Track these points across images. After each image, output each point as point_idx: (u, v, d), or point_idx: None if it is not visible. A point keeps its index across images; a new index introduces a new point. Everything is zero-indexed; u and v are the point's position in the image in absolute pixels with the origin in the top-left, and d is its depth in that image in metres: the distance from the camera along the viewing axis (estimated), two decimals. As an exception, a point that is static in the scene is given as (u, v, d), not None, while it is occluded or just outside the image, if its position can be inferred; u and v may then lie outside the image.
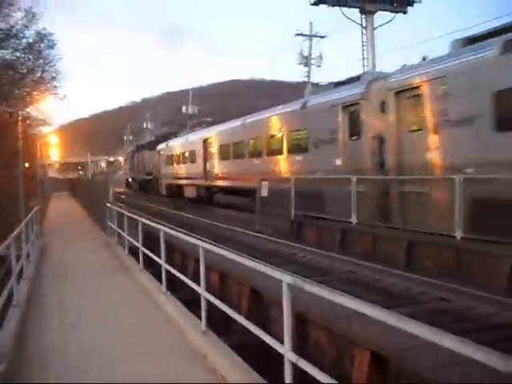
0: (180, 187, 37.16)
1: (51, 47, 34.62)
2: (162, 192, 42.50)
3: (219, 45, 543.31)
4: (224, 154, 28.16)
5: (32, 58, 34.16)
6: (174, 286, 9.57)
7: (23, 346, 7.00)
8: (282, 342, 4.59)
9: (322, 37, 38.40)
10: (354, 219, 14.47)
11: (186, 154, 36.07)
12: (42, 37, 33.26)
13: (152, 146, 49.21)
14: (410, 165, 13.56)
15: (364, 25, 26.97)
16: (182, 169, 37.12)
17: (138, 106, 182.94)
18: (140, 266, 11.87)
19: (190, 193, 34.83)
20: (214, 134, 30.35)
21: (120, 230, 15.51)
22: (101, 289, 10.78)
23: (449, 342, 2.72)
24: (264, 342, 5.05)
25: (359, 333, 5.44)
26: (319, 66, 38.81)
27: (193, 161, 33.88)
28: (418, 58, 16.05)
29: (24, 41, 33.38)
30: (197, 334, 6.85)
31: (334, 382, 3.86)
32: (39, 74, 34.89)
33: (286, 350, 4.46)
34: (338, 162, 16.60)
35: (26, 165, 37.47)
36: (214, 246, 8.69)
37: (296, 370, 4.39)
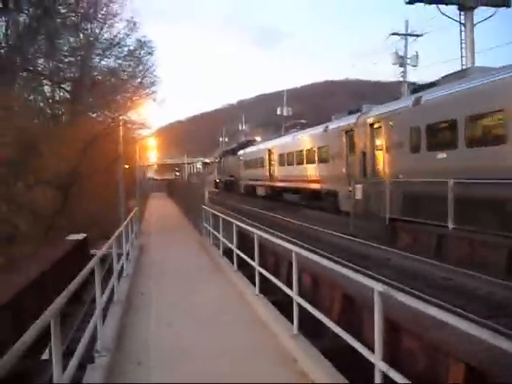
0: (254, 187, 44.68)
1: (150, 53, 36.12)
2: (241, 191, 49.54)
3: (314, 46, 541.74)
4: (281, 162, 35.45)
5: (133, 65, 35.75)
6: (267, 287, 9.68)
7: (122, 341, 7.35)
8: (373, 348, 4.57)
9: (418, 35, 37.37)
10: (450, 224, 14.04)
11: (258, 160, 42.92)
12: (141, 44, 34.79)
13: (234, 152, 55.22)
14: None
15: (463, 21, 25.98)
16: (255, 172, 43.72)
17: (233, 108, 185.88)
18: (234, 268, 12.08)
19: (261, 191, 42.14)
20: (275, 146, 38.15)
21: (215, 232, 15.85)
22: (195, 288, 11.06)
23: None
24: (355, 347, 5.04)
25: (453, 343, 5.30)
26: (415, 66, 37.83)
27: (262, 166, 40.85)
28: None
29: (125, 49, 34.98)
30: (288, 337, 6.91)
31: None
32: (139, 80, 36.45)
33: (376, 358, 4.43)
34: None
35: (126, 166, 39.03)
36: (307, 249, 8.75)
37: (386, 377, 4.35)
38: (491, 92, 13.81)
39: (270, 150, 38.85)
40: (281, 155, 35.52)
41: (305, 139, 30.50)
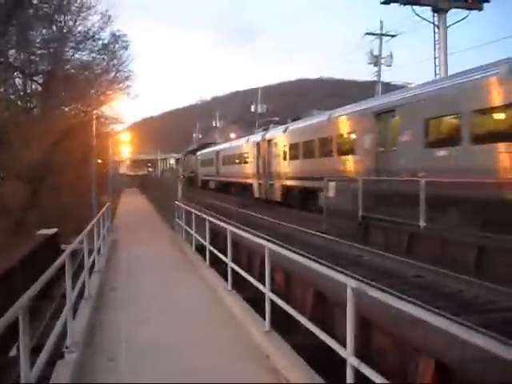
0: (207, 181, 55.10)
1: (125, 48, 35.81)
2: (198, 185, 58.78)
3: (288, 44, 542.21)
4: (224, 162, 46.70)
5: (107, 59, 35.39)
6: (240, 284, 9.66)
7: (93, 337, 7.27)
8: (345, 344, 4.58)
9: (393, 36, 37.71)
10: (422, 223, 14.19)
11: (209, 160, 53.60)
12: (116, 38, 34.45)
13: (195, 152, 65.89)
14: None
15: (436, 23, 26.25)
16: (209, 170, 53.70)
17: (207, 105, 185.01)
18: (206, 264, 12.05)
19: (212, 185, 52.52)
20: (221, 149, 49.61)
21: (187, 227, 15.78)
22: (167, 284, 11.02)
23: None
24: (327, 343, 5.05)
25: (424, 340, 5.35)
26: (389, 66, 38.16)
27: (212, 165, 51.76)
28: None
29: (100, 42, 34.60)
30: (260, 333, 6.91)
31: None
32: (113, 74, 36.13)
33: (348, 353, 4.44)
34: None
35: (99, 161, 38.69)
36: (278, 246, 8.75)
37: (358, 373, 4.37)
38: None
39: (217, 152, 49.82)
40: (224, 156, 46.85)
41: (236, 146, 42.68)
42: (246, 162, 37.90)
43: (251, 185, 35.46)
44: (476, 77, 14.25)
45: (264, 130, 35.41)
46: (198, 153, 62.04)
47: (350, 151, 21.70)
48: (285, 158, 28.85)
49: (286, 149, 28.76)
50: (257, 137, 35.29)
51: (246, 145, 38.38)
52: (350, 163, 21.54)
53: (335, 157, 23.03)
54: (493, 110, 13.78)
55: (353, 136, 21.88)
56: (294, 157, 27.85)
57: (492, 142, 13.47)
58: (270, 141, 31.93)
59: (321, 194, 21.53)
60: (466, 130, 14.24)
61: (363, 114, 20.54)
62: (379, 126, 18.98)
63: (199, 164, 60.56)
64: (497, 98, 13.47)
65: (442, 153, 15.18)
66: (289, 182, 28.13)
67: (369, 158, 19.49)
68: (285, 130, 29.67)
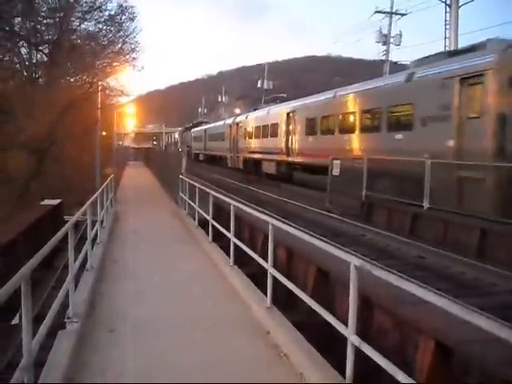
0: (198, 154, 61.81)
1: (132, 19, 35.49)
2: (192, 157, 62.64)
3: (297, 20, 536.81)
4: (209, 138, 54.81)
5: (113, 30, 35.14)
6: (242, 260, 9.67)
7: (94, 308, 7.30)
8: (346, 323, 4.58)
9: (403, 14, 37.24)
10: (426, 204, 14.16)
11: (200, 137, 61.17)
12: (123, 9, 34.17)
13: (190, 129, 74.25)
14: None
15: (448, 2, 25.90)
16: (199, 145, 61.24)
17: (213, 79, 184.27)
18: (209, 239, 12.06)
19: (201, 157, 59.45)
20: (208, 128, 57.43)
21: (191, 202, 15.76)
22: (169, 258, 11.04)
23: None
24: (328, 321, 5.05)
25: (425, 320, 5.35)
26: (398, 45, 37.73)
27: (201, 140, 59.32)
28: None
29: (106, 13, 34.30)
30: (261, 309, 6.92)
31: (397, 369, 3.82)
32: (119, 46, 35.88)
33: (349, 332, 4.45)
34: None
35: (104, 133, 38.61)
36: (283, 222, 8.75)
37: (358, 352, 4.38)
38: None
39: (205, 131, 57.80)
40: (209, 134, 55.00)
41: (218, 126, 50.81)
42: (223, 140, 45.93)
43: (226, 157, 44.42)
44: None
45: (237, 115, 47.79)
46: (192, 130, 70.64)
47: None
48: (245, 138, 37.97)
49: (246, 130, 38.15)
50: (231, 120, 45.01)
51: (223, 126, 47.32)
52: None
53: (268, 138, 32.16)
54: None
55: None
56: (250, 136, 37.05)
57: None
58: (237, 124, 41.00)
59: (264, 163, 32.86)
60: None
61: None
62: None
63: (193, 139, 68.53)
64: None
65: None
66: (247, 155, 37.07)
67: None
68: (246, 117, 39.73)
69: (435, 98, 15.23)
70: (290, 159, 27.48)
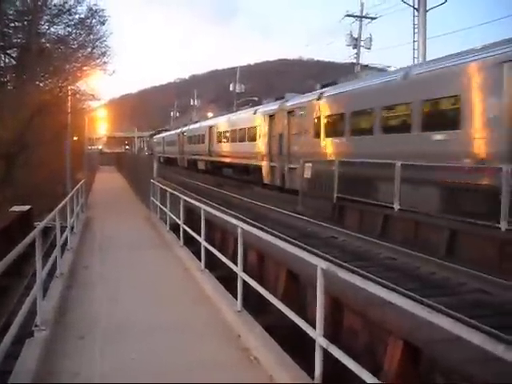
0: (159, 157, 61.32)
1: (102, 23, 35.11)
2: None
3: (268, 23, 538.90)
4: (167, 144, 66.53)
5: (83, 34, 34.73)
6: (214, 263, 9.67)
7: (64, 315, 7.21)
8: (315, 325, 4.61)
9: (373, 18, 37.57)
10: (396, 205, 14.32)
11: (159, 143, 73.46)
12: (93, 12, 33.76)
13: (152, 136, 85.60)
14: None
15: (416, 6, 26.25)
16: (159, 149, 70.95)
17: (186, 83, 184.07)
18: (180, 243, 12.02)
19: (162, 160, 61.58)
20: (165, 135, 70.34)
21: (162, 206, 15.71)
22: (141, 263, 10.97)
23: (477, 338, 2.69)
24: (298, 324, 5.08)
25: (393, 321, 5.41)
26: (369, 48, 38.09)
27: (160, 146, 70.95)
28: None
29: (76, 16, 33.92)
30: (232, 313, 6.93)
31: (362, 369, 3.86)
32: (90, 50, 35.46)
33: (317, 334, 4.47)
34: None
35: (75, 138, 38.25)
36: (253, 226, 8.76)
37: (328, 353, 4.40)
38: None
39: (163, 138, 70.42)
40: (166, 141, 66.84)
41: (171, 134, 63.94)
42: (174, 145, 58.33)
43: (176, 159, 56.66)
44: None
45: (183, 126, 56.87)
46: (155, 137, 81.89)
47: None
48: (188, 143, 51.21)
49: (187, 138, 51.78)
50: (178, 130, 57.91)
51: (175, 135, 59.63)
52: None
53: (200, 144, 45.23)
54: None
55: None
56: (189, 142, 50.48)
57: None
58: (183, 133, 53.93)
59: (199, 162, 46.10)
60: None
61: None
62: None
63: (155, 145, 78.35)
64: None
65: None
66: (189, 157, 50.62)
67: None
68: (188, 128, 53.00)
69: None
70: (211, 158, 40.61)
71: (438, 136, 14.18)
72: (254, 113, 29.99)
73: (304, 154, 21.31)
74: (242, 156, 31.40)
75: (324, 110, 21.07)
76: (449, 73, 13.86)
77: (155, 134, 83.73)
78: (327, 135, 20.74)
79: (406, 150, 15.03)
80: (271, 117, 26.74)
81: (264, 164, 27.21)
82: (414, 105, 15.23)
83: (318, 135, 21.37)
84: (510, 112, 12.12)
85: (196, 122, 55.23)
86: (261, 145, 27.81)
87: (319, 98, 21.55)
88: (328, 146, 20.56)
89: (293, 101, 24.89)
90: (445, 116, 14.54)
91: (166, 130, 76.98)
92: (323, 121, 21.02)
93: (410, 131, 15.36)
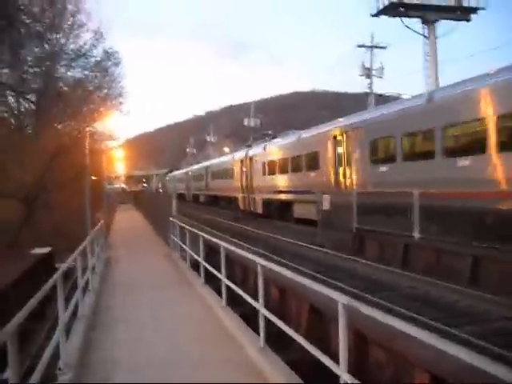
0: (180, 194, 63.74)
1: (117, 65, 35.95)
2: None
3: (281, 57, 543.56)
4: (180, 181, 73.29)
5: (99, 76, 35.47)
6: (235, 299, 9.62)
7: (87, 357, 7.21)
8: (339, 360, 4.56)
9: (383, 47, 38.12)
10: (416, 234, 14.21)
11: (171, 180, 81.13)
12: (108, 55, 34.54)
13: (166, 174, 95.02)
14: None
15: (426, 34, 26.50)
16: (171, 185, 76.21)
17: (201, 119, 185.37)
18: (201, 280, 12.00)
19: (174, 196, 60.41)
20: (176, 174, 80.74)
21: (182, 244, 15.73)
22: (163, 302, 10.95)
23: (501, 370, 2.66)
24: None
25: (418, 354, 5.33)
26: (381, 77, 38.42)
27: (172, 183, 78.16)
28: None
29: (92, 60, 34.71)
30: (255, 349, 6.87)
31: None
32: (105, 91, 36.19)
33: (341, 370, 4.43)
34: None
35: (93, 178, 38.65)
36: (273, 261, 8.74)
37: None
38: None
39: (174, 176, 79.80)
40: (177, 179, 76.00)
41: (181, 173, 74.65)
42: (183, 182, 68.36)
43: (185, 194, 65.01)
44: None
45: (190, 165, 70.78)
46: (168, 175, 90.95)
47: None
48: (194, 181, 60.83)
49: (191, 177, 63.72)
50: (185, 170, 70.72)
51: (183, 173, 70.49)
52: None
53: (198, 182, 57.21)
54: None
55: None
56: (195, 180, 59.86)
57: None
58: (188, 172, 65.61)
59: (200, 196, 56.96)
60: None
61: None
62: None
63: (167, 182, 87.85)
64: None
65: None
66: (194, 192, 60.92)
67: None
68: (191, 167, 67.56)
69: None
70: (208, 193, 50.96)
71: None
72: (233, 158, 39.91)
73: (258, 187, 31.70)
74: (226, 190, 40.75)
75: (266, 157, 30.76)
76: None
77: (168, 173, 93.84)
78: (269, 174, 29.88)
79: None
80: (242, 161, 36.04)
81: (239, 195, 36.19)
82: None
83: (266, 173, 30.49)
84: None
85: (198, 162, 67.02)
86: (236, 182, 37.09)
87: (264, 149, 31.52)
88: (268, 180, 29.88)
89: (252, 150, 34.95)
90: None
91: (178, 169, 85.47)
92: (267, 164, 30.29)
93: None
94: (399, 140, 16.94)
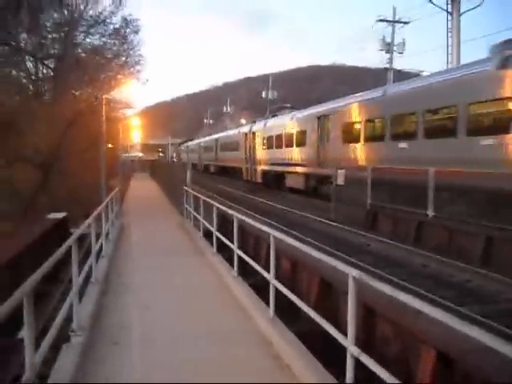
0: (193, 164, 64.98)
1: (136, 32, 35.83)
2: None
3: (301, 30, 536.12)
4: (192, 151, 76.00)
5: (117, 44, 35.43)
6: (246, 270, 9.69)
7: (99, 321, 7.34)
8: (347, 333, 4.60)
9: (406, 22, 37.36)
10: (430, 212, 14.17)
11: (185, 151, 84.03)
12: (127, 22, 34.44)
13: (180, 144, 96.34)
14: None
15: (449, 10, 26.02)
16: (184, 155, 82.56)
17: (219, 90, 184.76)
18: (214, 250, 12.09)
19: (198, 166, 66.14)
20: (193, 143, 78.56)
21: (196, 213, 15.80)
22: (174, 270, 11.05)
23: (510, 349, 2.67)
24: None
25: (426, 330, 5.37)
26: (401, 53, 37.84)
27: (186, 153, 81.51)
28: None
29: (111, 27, 34.61)
30: (264, 320, 6.94)
31: (394, 379, 3.84)
32: (124, 59, 36.18)
33: (349, 343, 4.47)
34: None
35: (109, 146, 38.82)
36: (286, 233, 8.77)
37: (359, 362, 4.39)
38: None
39: (187, 146, 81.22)
40: (190, 149, 77.57)
41: (195, 143, 75.21)
42: (195, 153, 70.11)
43: (197, 164, 64.23)
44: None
45: (202, 137, 72.20)
46: (182, 145, 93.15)
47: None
48: (203, 152, 63.98)
49: (196, 149, 69.89)
50: (198, 141, 71.72)
51: (196, 144, 72.60)
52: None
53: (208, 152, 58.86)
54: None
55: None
56: (200, 152, 65.19)
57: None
58: (200, 143, 67.44)
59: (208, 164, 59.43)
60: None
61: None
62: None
63: (182, 152, 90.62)
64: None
65: None
66: (199, 162, 64.80)
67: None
68: (191, 142, 78.03)
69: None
70: (217, 163, 53.27)
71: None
72: (239, 132, 42.47)
73: (258, 160, 35.05)
74: (233, 161, 43.41)
75: (266, 133, 33.71)
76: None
77: (182, 143, 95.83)
78: (268, 148, 33.11)
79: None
80: (246, 135, 38.94)
81: (243, 166, 39.09)
82: None
83: (265, 147, 33.56)
84: None
85: (209, 134, 66.97)
86: (241, 154, 39.77)
87: (265, 125, 34.66)
88: (267, 153, 33.25)
89: (255, 125, 37.58)
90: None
91: (191, 140, 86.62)
92: (267, 139, 33.31)
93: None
94: (363, 125, 20.60)
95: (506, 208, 12.11)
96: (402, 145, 17.75)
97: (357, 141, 21.00)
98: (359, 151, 20.84)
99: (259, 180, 34.79)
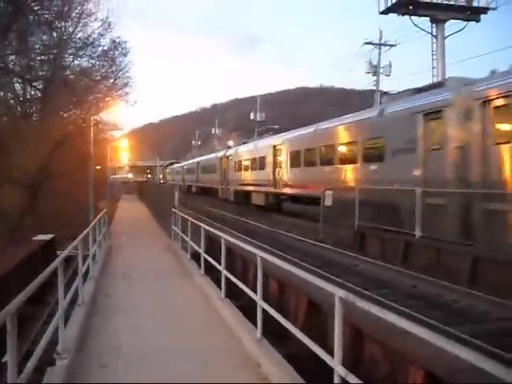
0: (170, 183, 75.62)
1: (124, 55, 35.93)
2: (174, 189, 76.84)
3: (289, 52, 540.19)
4: (176, 173, 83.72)
5: (106, 65, 35.50)
6: (234, 292, 9.65)
7: (85, 343, 7.25)
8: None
9: (392, 45, 37.87)
10: (418, 232, 14.21)
11: (169, 173, 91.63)
12: (116, 45, 34.52)
13: (166, 167, 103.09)
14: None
15: (434, 33, 26.43)
16: (169, 177, 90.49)
17: (207, 112, 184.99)
18: (201, 271, 12.04)
19: (182, 187, 66.63)
20: (174, 167, 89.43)
21: (183, 235, 15.76)
22: (162, 292, 10.99)
23: (499, 370, 2.68)
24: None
25: (414, 350, 5.35)
26: (388, 75, 38.24)
27: (170, 175, 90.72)
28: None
29: (99, 49, 34.70)
30: (252, 341, 6.91)
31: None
32: (112, 81, 36.19)
33: (335, 363, 4.45)
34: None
35: (97, 167, 38.71)
36: (273, 254, 8.76)
37: (347, 383, 4.37)
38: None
39: (173, 169, 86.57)
40: (174, 172, 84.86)
41: (177, 167, 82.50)
42: (179, 175, 75.69)
43: (181, 185, 63.47)
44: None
45: (185, 160, 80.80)
46: (167, 168, 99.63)
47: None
48: (181, 174, 73.34)
49: (178, 171, 79.40)
50: (182, 164, 79.60)
51: (180, 167, 79.00)
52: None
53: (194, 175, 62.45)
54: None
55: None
56: (183, 174, 71.63)
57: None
58: (183, 166, 73.88)
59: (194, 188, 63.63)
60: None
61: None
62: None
63: (167, 174, 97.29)
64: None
65: None
66: (185, 183, 67.88)
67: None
68: (175, 165, 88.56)
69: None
70: (198, 184, 59.54)
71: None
72: (216, 156, 48.84)
73: (231, 180, 40.45)
74: (211, 182, 49.86)
75: (237, 157, 39.78)
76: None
77: (168, 166, 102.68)
78: (238, 170, 38.88)
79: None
80: (221, 159, 45.25)
81: (219, 187, 45.21)
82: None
83: (236, 170, 39.44)
84: None
85: (193, 158, 74.28)
86: (217, 176, 46.03)
87: (236, 151, 40.89)
88: (237, 175, 38.86)
89: (229, 151, 44.05)
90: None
91: (177, 162, 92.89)
92: (237, 163, 39.24)
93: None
94: (303, 152, 25.73)
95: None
96: (327, 169, 22.67)
97: (299, 165, 26.31)
98: (300, 174, 26.00)
99: (232, 198, 39.95)
